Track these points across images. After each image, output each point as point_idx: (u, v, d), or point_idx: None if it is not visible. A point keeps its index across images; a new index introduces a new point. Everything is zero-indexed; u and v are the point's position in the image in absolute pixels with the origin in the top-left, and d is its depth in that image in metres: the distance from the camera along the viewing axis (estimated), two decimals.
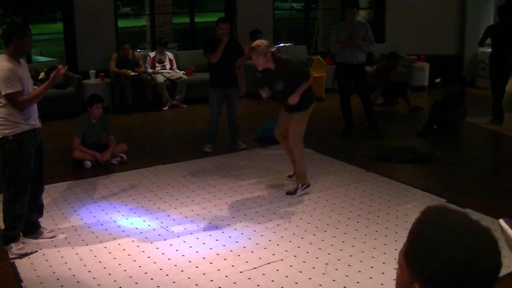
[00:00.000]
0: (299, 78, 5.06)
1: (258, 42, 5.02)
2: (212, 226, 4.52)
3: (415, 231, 1.18)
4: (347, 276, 3.66)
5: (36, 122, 4.15)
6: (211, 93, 6.61)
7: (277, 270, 3.75)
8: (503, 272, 3.43)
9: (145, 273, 3.73)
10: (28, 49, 4.17)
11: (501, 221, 1.95)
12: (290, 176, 5.61)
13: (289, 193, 5.17)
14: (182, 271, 3.76)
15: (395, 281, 1.24)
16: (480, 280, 1.10)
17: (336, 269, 3.75)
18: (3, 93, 3.87)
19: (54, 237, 4.32)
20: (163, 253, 4.02)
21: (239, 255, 3.97)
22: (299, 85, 5.00)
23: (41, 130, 4.27)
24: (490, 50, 8.09)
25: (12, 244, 4.05)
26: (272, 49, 4.99)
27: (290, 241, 4.19)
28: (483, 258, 1.10)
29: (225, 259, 3.92)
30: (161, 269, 3.78)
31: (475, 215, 4.49)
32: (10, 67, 3.88)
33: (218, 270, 3.76)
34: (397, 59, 8.92)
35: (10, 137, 3.95)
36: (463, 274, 1.09)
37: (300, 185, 5.19)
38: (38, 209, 4.37)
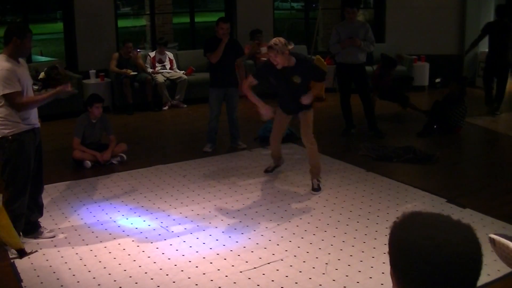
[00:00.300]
0: (315, 76, 5.19)
1: (275, 40, 4.92)
2: (212, 226, 4.52)
3: (390, 238, 1.17)
4: (347, 276, 3.66)
5: (35, 122, 4.15)
6: (211, 93, 6.61)
7: (277, 270, 3.75)
8: (503, 272, 3.46)
9: (145, 273, 3.73)
10: (27, 51, 4.15)
11: (491, 235, 1.92)
12: (267, 171, 5.80)
13: (314, 189, 5.26)
14: (182, 271, 3.76)
15: None
16: (459, 268, 1.07)
17: (336, 269, 3.75)
18: (1, 93, 3.86)
19: (54, 237, 4.31)
20: (163, 253, 4.02)
21: (239, 255, 3.97)
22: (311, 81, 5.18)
23: (40, 130, 4.26)
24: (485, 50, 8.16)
25: None
26: (290, 47, 4.97)
27: (290, 241, 4.19)
28: (454, 245, 1.07)
29: (225, 259, 3.92)
30: (161, 269, 3.78)
31: (475, 215, 4.55)
32: (9, 67, 3.87)
33: (218, 270, 3.76)
34: (391, 66, 8.61)
35: (10, 137, 3.95)
36: (436, 263, 1.06)
37: (319, 179, 5.33)
38: (38, 208, 4.37)
